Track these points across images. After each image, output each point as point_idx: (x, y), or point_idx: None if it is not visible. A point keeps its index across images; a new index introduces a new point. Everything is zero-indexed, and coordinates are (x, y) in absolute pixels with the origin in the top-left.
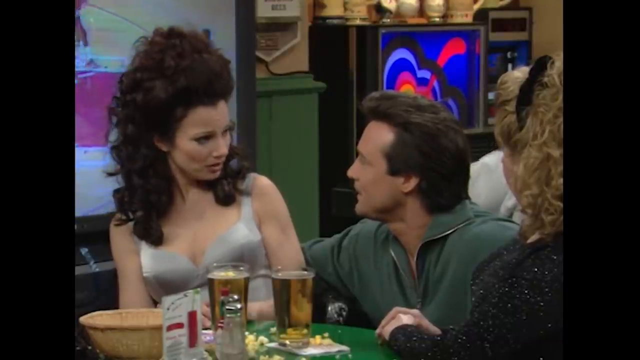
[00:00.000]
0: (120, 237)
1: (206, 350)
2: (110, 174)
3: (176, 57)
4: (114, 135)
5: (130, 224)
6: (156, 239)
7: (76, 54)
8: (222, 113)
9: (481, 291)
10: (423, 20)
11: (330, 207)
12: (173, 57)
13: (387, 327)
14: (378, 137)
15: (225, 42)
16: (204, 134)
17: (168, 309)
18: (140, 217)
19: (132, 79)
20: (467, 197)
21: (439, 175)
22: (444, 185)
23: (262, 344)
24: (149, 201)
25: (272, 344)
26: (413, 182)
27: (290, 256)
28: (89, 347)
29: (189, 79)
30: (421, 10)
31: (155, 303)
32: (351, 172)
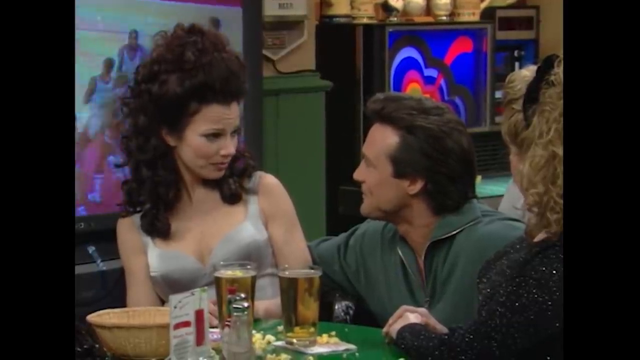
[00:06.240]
0: (127, 236)
1: (213, 349)
2: (118, 166)
3: (196, 53)
4: (125, 126)
5: (138, 222)
6: (163, 233)
7: None
8: (234, 113)
9: (488, 290)
10: (430, 19)
11: (336, 205)
12: (194, 52)
13: (394, 326)
14: (382, 140)
15: (232, 40)
16: (214, 130)
17: (175, 307)
18: (147, 210)
19: (149, 69)
20: (475, 197)
21: (445, 177)
22: (450, 186)
23: (269, 343)
24: (157, 193)
25: (279, 343)
26: (419, 185)
27: (296, 254)
28: (96, 346)
29: (207, 75)
30: (428, 9)
31: (163, 301)
32: (357, 175)
